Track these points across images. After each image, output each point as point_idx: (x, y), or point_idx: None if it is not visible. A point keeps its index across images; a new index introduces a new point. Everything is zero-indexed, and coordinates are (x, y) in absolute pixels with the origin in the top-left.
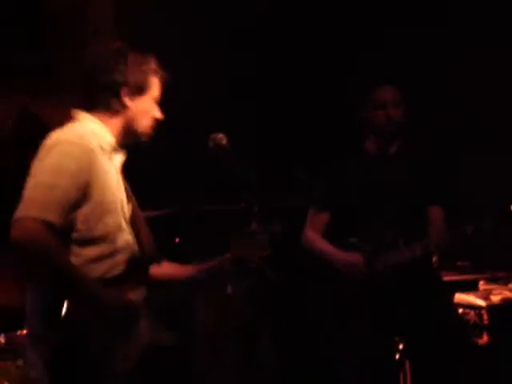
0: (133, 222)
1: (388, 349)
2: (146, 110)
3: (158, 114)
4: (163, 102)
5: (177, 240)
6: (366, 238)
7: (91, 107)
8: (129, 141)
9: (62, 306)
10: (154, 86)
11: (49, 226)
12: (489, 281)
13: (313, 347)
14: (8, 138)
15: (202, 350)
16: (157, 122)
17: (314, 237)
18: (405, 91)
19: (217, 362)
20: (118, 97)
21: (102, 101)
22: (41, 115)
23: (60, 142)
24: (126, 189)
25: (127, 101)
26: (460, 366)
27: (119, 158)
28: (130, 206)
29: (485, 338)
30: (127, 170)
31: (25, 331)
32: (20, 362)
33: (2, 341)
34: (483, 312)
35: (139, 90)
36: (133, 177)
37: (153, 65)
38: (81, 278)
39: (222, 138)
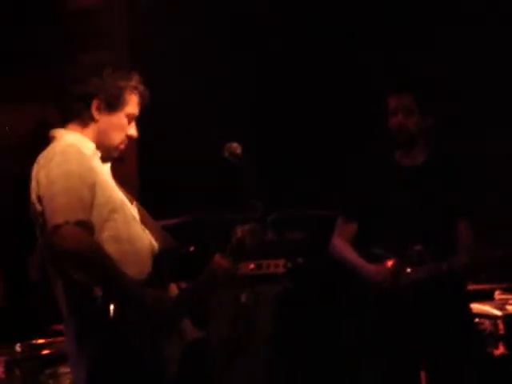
0: (142, 222)
1: (410, 363)
2: (117, 125)
3: (131, 131)
4: (180, 111)
5: (191, 249)
6: (391, 250)
7: (65, 118)
8: (102, 153)
9: (109, 309)
10: (131, 103)
11: (82, 225)
12: (505, 290)
13: (334, 356)
14: (24, 147)
15: (217, 352)
16: (130, 139)
17: (342, 246)
18: (429, 99)
19: (232, 366)
20: (88, 109)
21: (74, 111)
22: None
23: (55, 154)
24: (123, 191)
25: (97, 114)
26: (475, 377)
27: (107, 164)
28: (135, 207)
29: (501, 349)
30: (143, 179)
31: (40, 340)
32: (36, 371)
33: (18, 350)
34: (499, 322)
35: (111, 104)
36: (148, 186)
37: (133, 82)
38: (127, 278)
39: (236, 147)
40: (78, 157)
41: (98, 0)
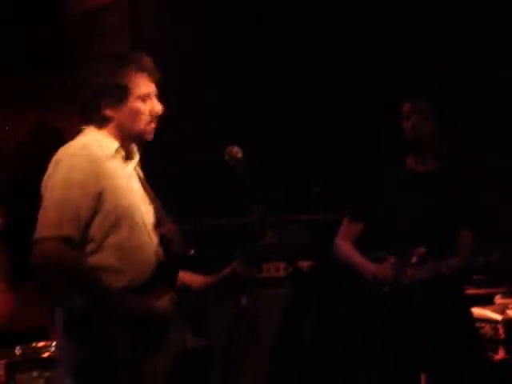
0: (157, 226)
1: (410, 364)
2: (134, 112)
3: (155, 108)
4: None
5: (192, 252)
6: (396, 253)
7: (86, 122)
8: (132, 143)
9: (90, 319)
10: (140, 84)
11: (68, 241)
12: (505, 295)
13: (336, 358)
14: (23, 151)
15: (218, 362)
16: (157, 115)
17: (345, 246)
18: (439, 108)
19: (233, 374)
20: (99, 111)
21: (89, 117)
22: (56, 127)
23: (65, 156)
24: (146, 192)
25: (110, 113)
26: (476, 381)
27: (132, 163)
28: (152, 210)
29: (501, 353)
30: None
31: (40, 343)
32: (35, 374)
33: (18, 353)
34: (499, 326)
35: (119, 97)
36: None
37: (133, 62)
38: (107, 291)
39: (237, 151)
40: (86, 165)
41: (100, 2)
